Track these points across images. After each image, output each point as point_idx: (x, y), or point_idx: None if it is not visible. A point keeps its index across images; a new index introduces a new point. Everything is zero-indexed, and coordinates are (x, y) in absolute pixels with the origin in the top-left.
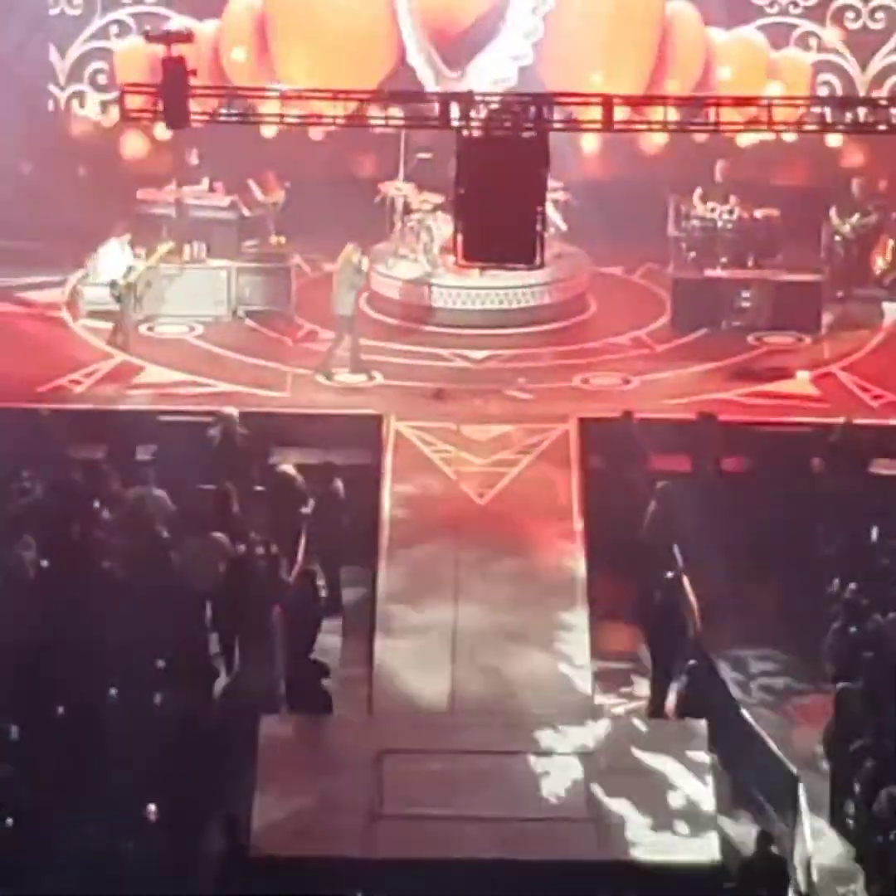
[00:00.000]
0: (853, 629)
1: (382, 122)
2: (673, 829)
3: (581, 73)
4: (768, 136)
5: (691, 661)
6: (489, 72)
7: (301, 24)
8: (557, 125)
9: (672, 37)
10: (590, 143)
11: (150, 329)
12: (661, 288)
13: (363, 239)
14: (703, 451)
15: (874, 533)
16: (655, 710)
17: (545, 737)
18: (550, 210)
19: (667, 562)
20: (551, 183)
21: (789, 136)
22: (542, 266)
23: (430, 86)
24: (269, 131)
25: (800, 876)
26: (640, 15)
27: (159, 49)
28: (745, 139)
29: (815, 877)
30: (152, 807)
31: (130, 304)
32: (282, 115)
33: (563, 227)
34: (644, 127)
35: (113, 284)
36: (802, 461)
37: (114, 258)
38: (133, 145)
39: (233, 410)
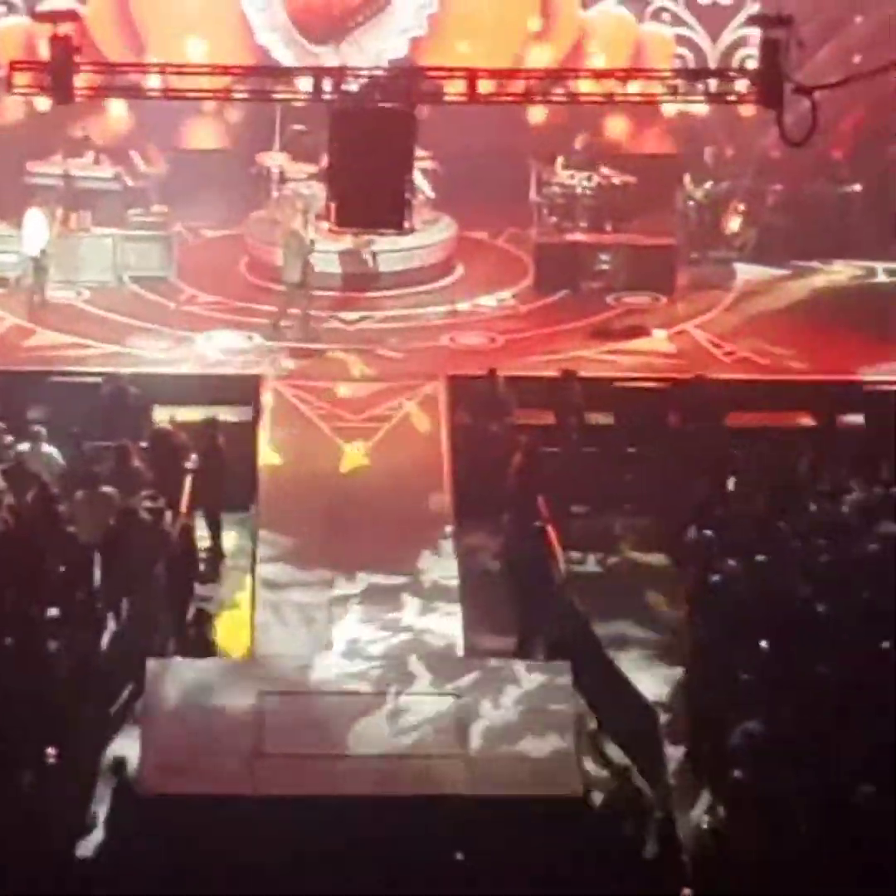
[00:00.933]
0: (711, 575)
1: (257, 95)
2: (539, 765)
3: (455, 45)
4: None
5: (557, 606)
6: (376, 45)
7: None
8: (424, 97)
9: (548, 10)
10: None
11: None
12: (525, 251)
13: (241, 207)
14: (565, 406)
15: (730, 483)
16: (524, 652)
17: (418, 678)
18: (418, 178)
19: (531, 511)
20: (419, 152)
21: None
22: (410, 231)
23: (289, 62)
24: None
25: (659, 806)
26: None
27: (36, 27)
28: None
29: (672, 808)
30: (51, 749)
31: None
32: (165, 90)
33: (431, 194)
34: (506, 99)
35: (43, 252)
36: (660, 415)
37: (37, 226)
38: (16, 117)
39: (122, 371)
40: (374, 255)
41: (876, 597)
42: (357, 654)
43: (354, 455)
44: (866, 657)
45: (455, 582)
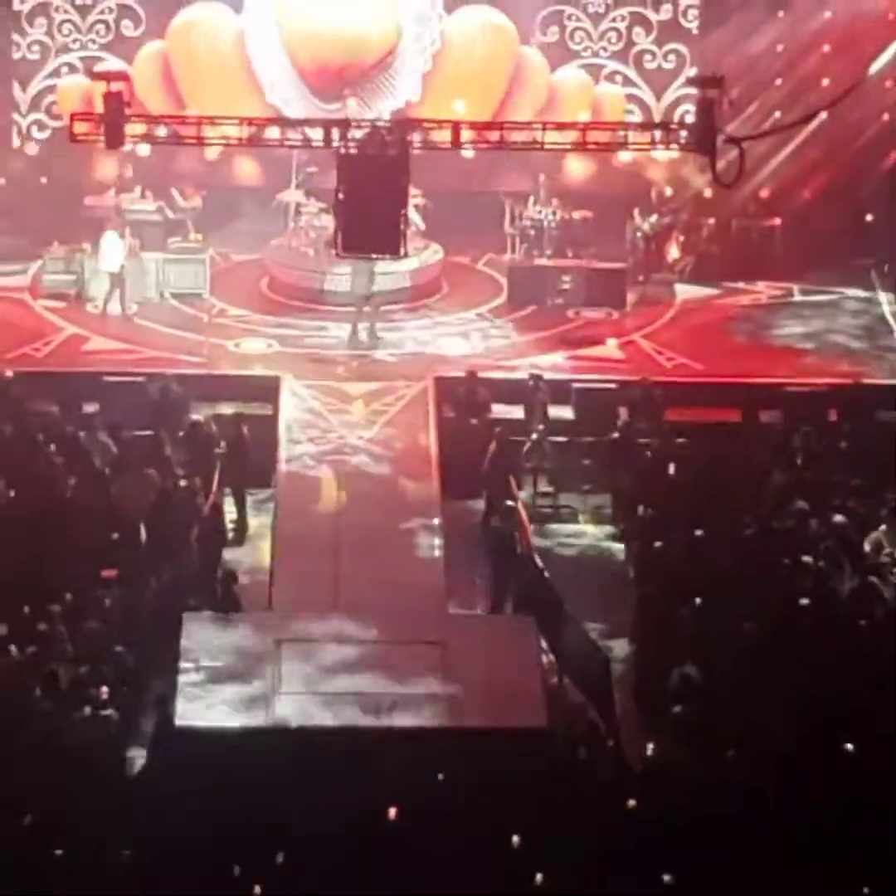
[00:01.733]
0: (655, 543)
1: (277, 142)
2: (508, 703)
3: (445, 103)
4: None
5: (525, 571)
6: (379, 104)
7: (189, 66)
8: (416, 145)
9: (522, 74)
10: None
11: (95, 307)
12: (500, 273)
13: (263, 236)
14: (533, 401)
15: (671, 468)
16: (496, 607)
17: (410, 630)
18: (412, 212)
19: (504, 491)
20: (412, 190)
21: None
22: (405, 256)
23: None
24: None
25: (610, 736)
26: (500, 55)
27: (88, 84)
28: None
29: (621, 738)
30: (105, 688)
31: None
32: (199, 138)
33: (422, 225)
34: (484, 146)
35: (122, 267)
36: (612, 410)
37: (114, 247)
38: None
39: (165, 371)
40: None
41: (793, 562)
42: (359, 607)
43: (359, 443)
44: (786, 613)
45: (440, 552)
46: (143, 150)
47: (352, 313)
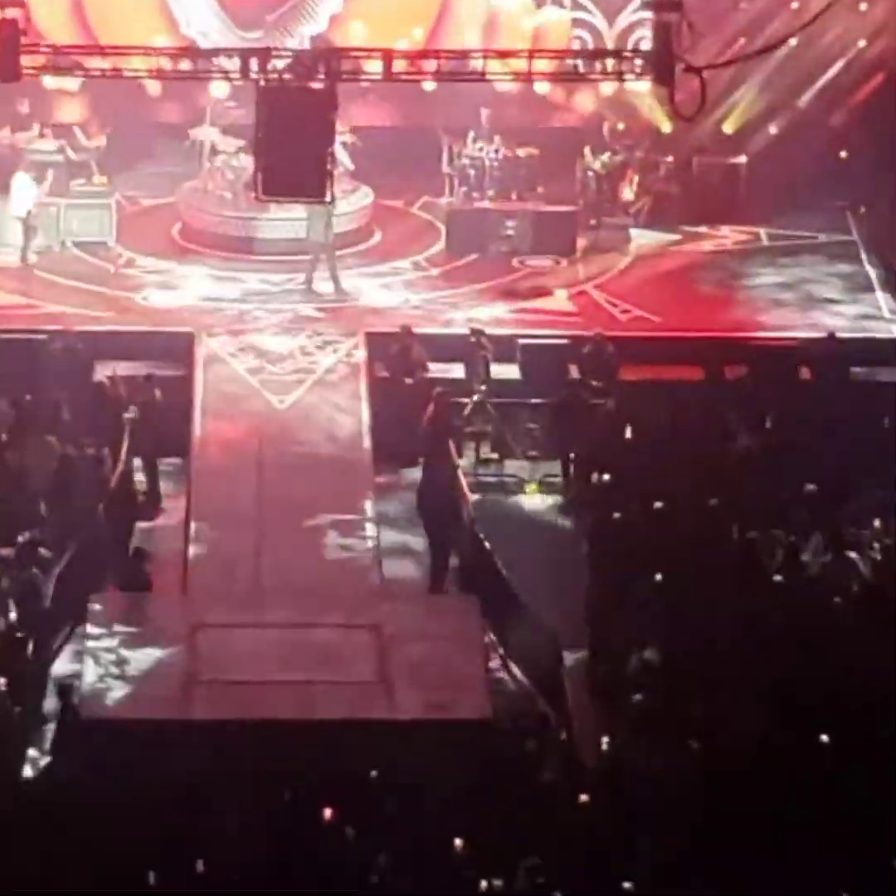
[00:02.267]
0: (611, 514)
1: (191, 74)
2: (449, 691)
3: (375, 29)
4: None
5: (467, 545)
6: (301, 28)
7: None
8: (344, 76)
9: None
10: (372, 90)
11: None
12: (437, 218)
13: (177, 177)
14: (474, 360)
15: (628, 432)
16: (436, 586)
17: (340, 612)
18: (339, 151)
19: (443, 457)
20: (340, 127)
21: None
22: (331, 200)
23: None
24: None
25: (561, 728)
26: None
27: None
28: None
29: (574, 730)
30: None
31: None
32: (103, 69)
33: (351, 165)
34: (418, 77)
35: (29, 213)
36: (561, 368)
37: (25, 189)
38: None
39: (67, 329)
40: (298, 222)
41: (762, 534)
42: (284, 588)
43: (279, 406)
44: (754, 590)
45: (373, 523)
46: (72, 84)
47: (309, 261)
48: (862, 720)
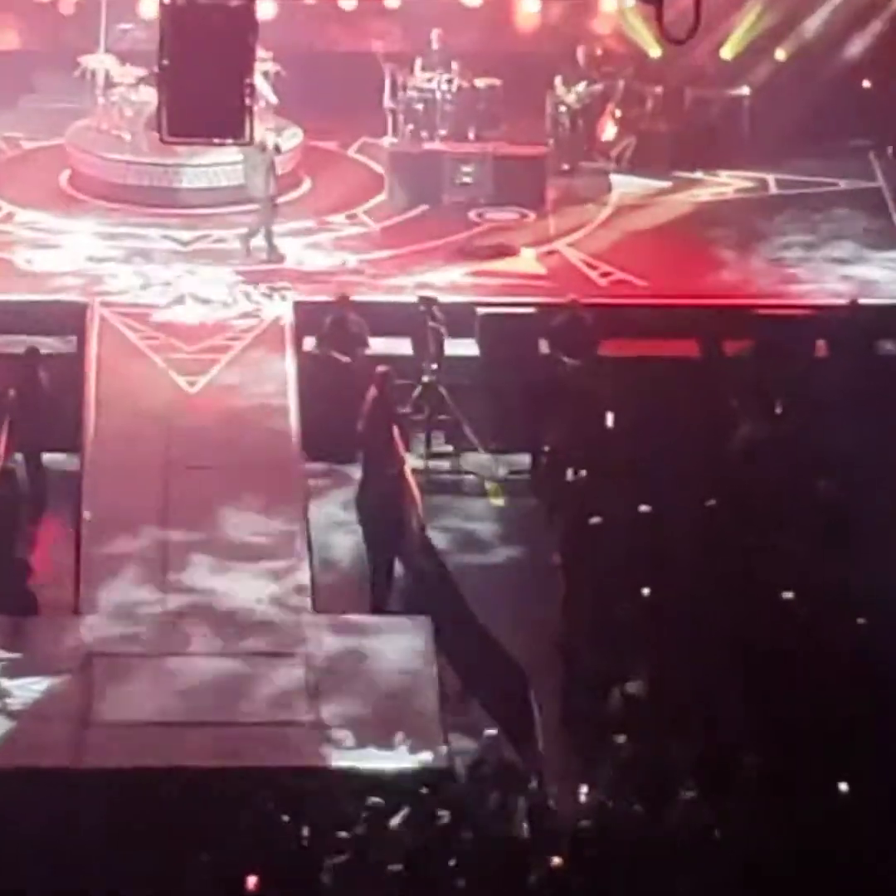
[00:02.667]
0: (590, 518)
1: None
2: (398, 732)
3: None
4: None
5: (415, 558)
6: None
7: None
8: None
9: None
10: (300, 10)
11: None
12: (378, 162)
13: (64, 115)
14: (424, 333)
15: (609, 419)
16: (378, 606)
17: (263, 638)
18: (259, 82)
19: (387, 452)
20: (260, 53)
21: None
22: (250, 142)
23: None
24: None
25: (530, 777)
26: None
27: None
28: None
29: (546, 779)
30: None
31: None
32: None
33: (274, 99)
34: None
35: None
36: (529, 343)
37: None
38: None
39: None
40: (209, 168)
41: (768, 543)
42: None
43: (190, 391)
44: (760, 609)
45: (301, 540)
46: None
47: (253, 218)
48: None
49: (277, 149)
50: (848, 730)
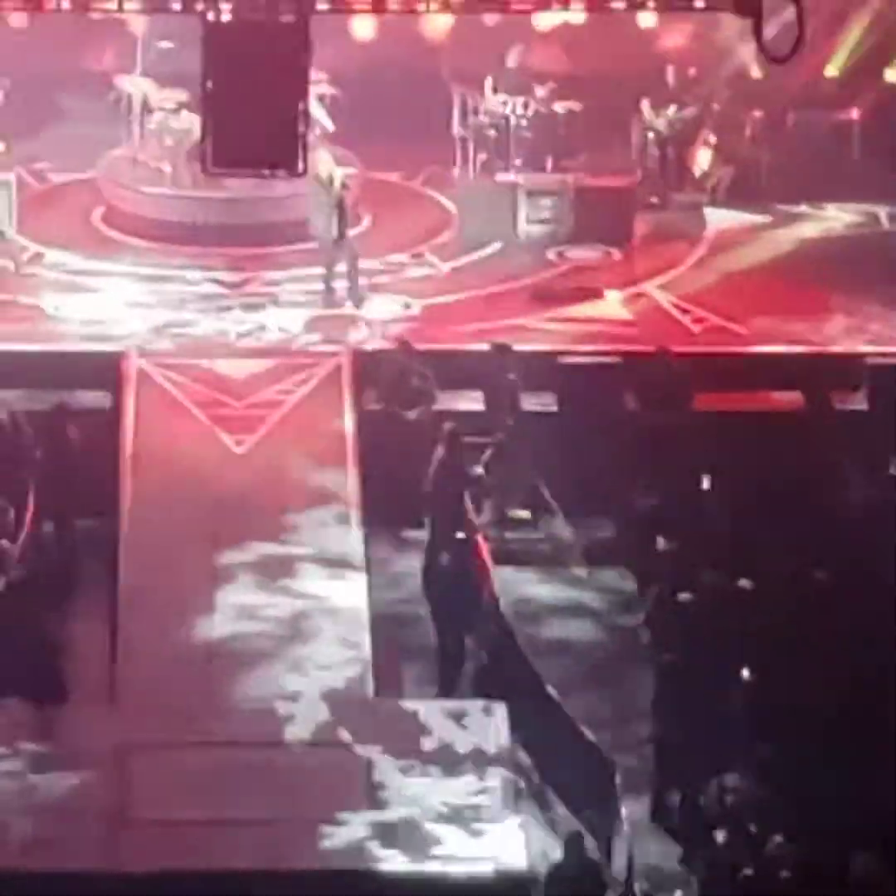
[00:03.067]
0: (682, 595)
1: (115, 5)
2: (471, 831)
3: None
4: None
5: (489, 635)
6: None
7: None
8: (322, 7)
9: None
10: (363, 28)
11: None
12: (447, 196)
13: (97, 144)
14: (497, 385)
15: (705, 481)
16: (446, 691)
17: (319, 725)
18: (314, 107)
19: (457, 517)
20: (315, 75)
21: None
22: (304, 173)
23: None
24: None
25: (618, 882)
26: None
27: None
28: (545, 21)
29: (635, 882)
30: None
31: None
32: None
33: (330, 126)
34: (422, 8)
35: None
36: (614, 396)
37: None
38: None
39: None
40: (259, 203)
41: (881, 620)
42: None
43: (239, 450)
44: (872, 693)
45: (365, 615)
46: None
47: (323, 260)
48: None
49: (345, 185)
50: None
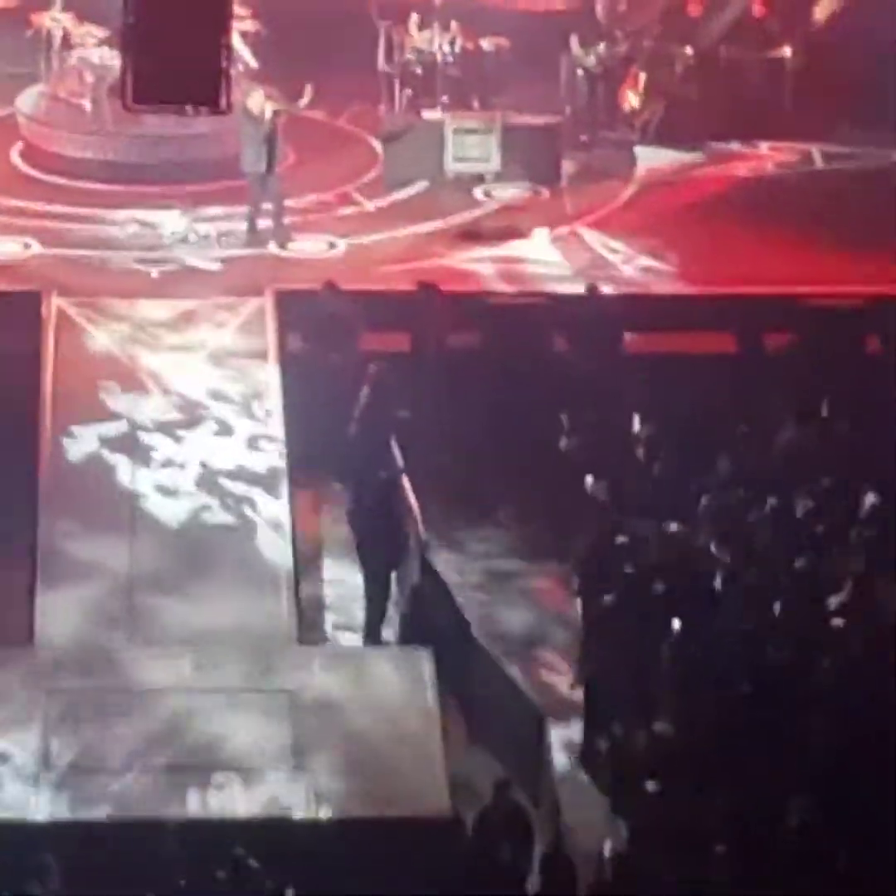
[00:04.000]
0: (620, 538)
1: None
2: (398, 777)
3: None
4: None
5: (415, 578)
6: None
7: None
8: None
9: None
10: None
11: None
12: (371, 134)
13: (15, 81)
14: (423, 327)
15: (635, 422)
16: (371, 635)
17: (240, 674)
18: (238, 43)
19: (382, 458)
20: (239, 11)
21: None
22: (228, 110)
23: None
24: None
25: (546, 828)
26: None
27: None
28: None
29: (564, 829)
30: None
31: None
32: None
33: (254, 63)
34: None
35: None
36: (543, 337)
37: None
38: None
39: None
40: (181, 140)
41: (814, 564)
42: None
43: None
44: (803, 637)
45: (288, 559)
46: None
47: (251, 195)
48: None
49: (278, 114)
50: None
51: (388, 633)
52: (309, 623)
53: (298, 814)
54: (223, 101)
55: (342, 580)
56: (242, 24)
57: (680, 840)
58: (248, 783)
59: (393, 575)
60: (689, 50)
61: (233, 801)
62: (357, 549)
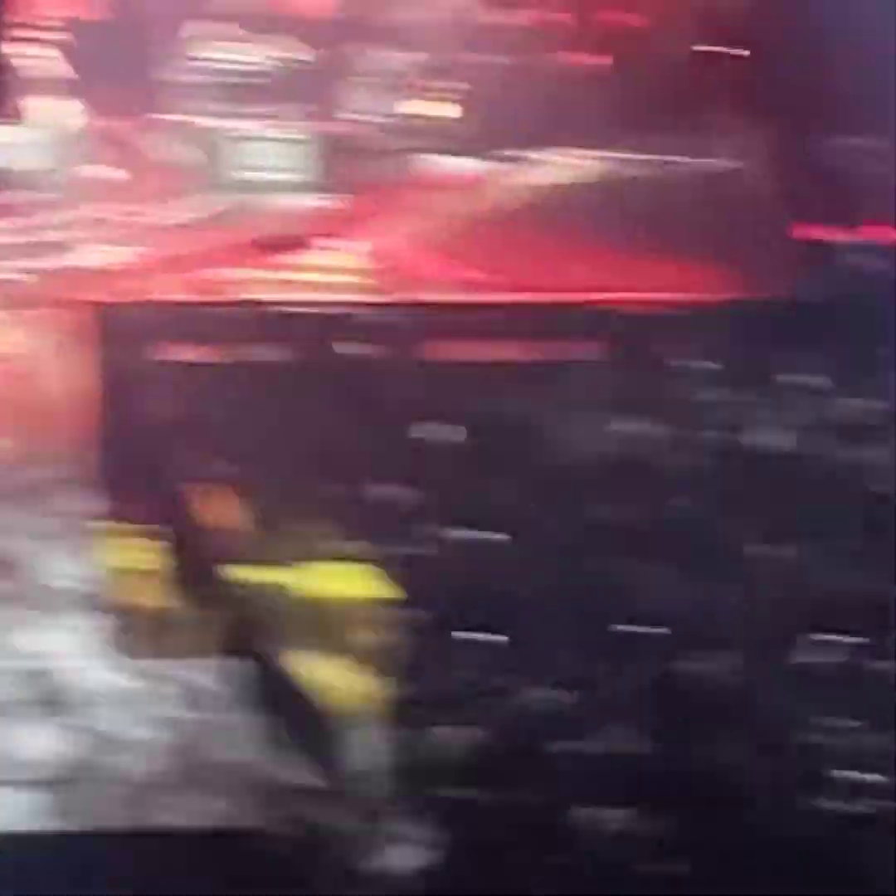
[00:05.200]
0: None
1: None
2: (201, 787)
3: None
4: None
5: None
6: None
7: None
8: None
9: None
10: None
11: None
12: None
13: None
14: (228, 337)
15: (426, 430)
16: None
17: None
18: (39, 53)
19: (184, 475)
20: (45, 21)
21: None
22: (13, 121)
23: None
24: None
25: (358, 841)
26: None
27: None
28: None
29: (376, 841)
30: None
31: None
32: None
33: (59, 72)
34: None
35: None
36: (340, 346)
37: None
38: None
39: None
40: None
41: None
42: None
43: None
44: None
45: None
46: None
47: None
48: None
49: (73, 130)
50: None
51: None
52: None
53: None
54: (11, 110)
55: None
56: (47, 34)
57: (498, 853)
58: None
59: None
60: (483, 57)
61: None
62: (171, 569)
